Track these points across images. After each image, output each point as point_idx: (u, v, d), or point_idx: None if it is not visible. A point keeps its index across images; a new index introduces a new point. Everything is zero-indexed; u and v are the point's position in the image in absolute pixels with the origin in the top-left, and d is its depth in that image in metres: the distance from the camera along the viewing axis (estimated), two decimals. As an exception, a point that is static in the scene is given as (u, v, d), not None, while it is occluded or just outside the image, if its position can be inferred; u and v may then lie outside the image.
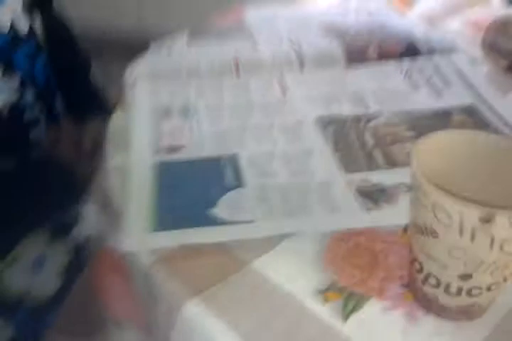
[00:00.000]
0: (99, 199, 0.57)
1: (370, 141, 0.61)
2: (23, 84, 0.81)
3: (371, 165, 0.57)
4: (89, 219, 0.77)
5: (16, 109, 0.80)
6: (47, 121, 0.86)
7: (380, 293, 0.42)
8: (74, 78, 0.96)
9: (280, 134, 0.63)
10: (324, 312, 0.41)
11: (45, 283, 0.75)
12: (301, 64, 0.79)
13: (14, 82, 0.79)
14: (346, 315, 0.40)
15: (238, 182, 0.54)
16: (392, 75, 0.75)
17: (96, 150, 0.84)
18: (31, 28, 0.83)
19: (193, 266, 0.45)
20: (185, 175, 0.56)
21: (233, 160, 0.58)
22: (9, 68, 0.78)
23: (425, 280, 0.39)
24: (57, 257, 0.76)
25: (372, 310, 0.41)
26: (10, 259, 0.75)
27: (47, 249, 0.76)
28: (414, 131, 0.63)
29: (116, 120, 0.68)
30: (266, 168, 0.57)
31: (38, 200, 0.75)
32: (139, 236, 0.48)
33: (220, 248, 0.46)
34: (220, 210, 0.50)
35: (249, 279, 0.43)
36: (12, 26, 0.79)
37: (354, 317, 0.40)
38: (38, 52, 0.85)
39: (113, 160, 0.60)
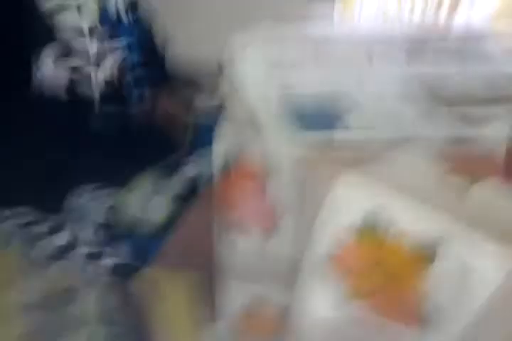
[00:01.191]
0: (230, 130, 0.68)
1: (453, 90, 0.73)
2: (128, 48, 0.91)
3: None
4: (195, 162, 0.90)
5: (126, 66, 0.90)
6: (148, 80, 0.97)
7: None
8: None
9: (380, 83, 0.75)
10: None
11: (157, 210, 0.85)
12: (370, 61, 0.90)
13: (122, 42, 0.89)
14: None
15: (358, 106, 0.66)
16: (448, 61, 0.86)
17: (183, 116, 0.96)
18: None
19: (335, 158, 0.56)
20: (306, 102, 0.68)
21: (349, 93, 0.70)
22: (116, 31, 0.89)
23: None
24: (168, 190, 0.86)
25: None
26: (130, 187, 0.86)
27: (158, 183, 0.87)
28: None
29: (225, 86, 0.80)
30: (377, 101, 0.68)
31: (146, 146, 0.86)
32: (287, 136, 0.59)
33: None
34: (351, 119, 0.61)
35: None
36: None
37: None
38: (137, 21, 0.96)
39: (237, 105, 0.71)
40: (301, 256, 0.57)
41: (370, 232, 0.51)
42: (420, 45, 0.86)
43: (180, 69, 1.07)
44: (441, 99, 0.70)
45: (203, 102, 1.01)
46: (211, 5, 2.28)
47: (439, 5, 1.39)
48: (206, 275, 0.88)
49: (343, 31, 0.95)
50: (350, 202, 0.51)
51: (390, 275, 0.51)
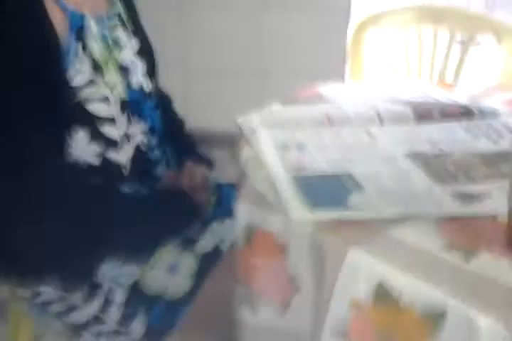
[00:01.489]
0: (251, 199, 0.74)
1: (451, 167, 0.80)
2: (150, 130, 1.01)
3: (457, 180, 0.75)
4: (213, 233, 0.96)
5: (146, 149, 0.99)
6: (166, 162, 1.05)
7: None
8: (179, 132, 1.16)
9: (380, 162, 0.82)
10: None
11: (178, 283, 0.90)
12: (381, 121, 0.99)
13: (144, 127, 0.99)
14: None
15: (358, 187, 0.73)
16: (455, 129, 0.95)
17: (204, 185, 1.03)
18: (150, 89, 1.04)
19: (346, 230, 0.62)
20: (315, 182, 0.75)
21: (351, 176, 0.77)
22: (140, 116, 0.98)
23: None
24: (188, 263, 0.92)
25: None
26: (151, 263, 0.91)
27: (179, 256, 0.92)
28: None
29: (246, 153, 0.87)
30: (376, 181, 0.75)
31: (168, 219, 0.92)
32: (301, 214, 0.65)
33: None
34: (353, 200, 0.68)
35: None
36: (141, 85, 1.01)
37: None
38: (156, 108, 1.06)
39: (255, 177, 0.78)
40: (318, 328, 0.61)
41: (381, 298, 0.56)
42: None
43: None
44: (440, 176, 0.77)
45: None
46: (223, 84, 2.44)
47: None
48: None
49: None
50: (362, 271, 0.57)
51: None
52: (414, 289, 0.54)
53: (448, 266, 0.56)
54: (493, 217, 0.65)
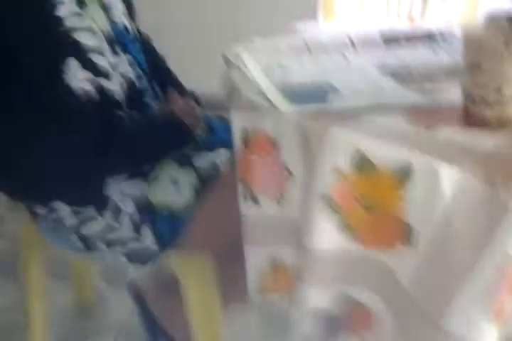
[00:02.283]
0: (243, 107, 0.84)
1: (416, 75, 0.91)
2: (134, 63, 1.08)
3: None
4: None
5: (133, 79, 1.06)
6: (153, 92, 1.13)
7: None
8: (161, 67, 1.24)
9: (353, 74, 0.92)
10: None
11: (181, 195, 1.00)
12: (353, 46, 1.09)
13: (129, 59, 1.06)
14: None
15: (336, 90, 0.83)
16: (419, 48, 1.05)
17: (193, 111, 1.12)
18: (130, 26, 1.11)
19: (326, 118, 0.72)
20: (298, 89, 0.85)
21: (328, 82, 0.87)
22: (123, 49, 1.04)
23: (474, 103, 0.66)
24: (188, 177, 1.02)
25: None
26: (152, 179, 1.01)
27: (179, 171, 1.02)
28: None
29: (234, 74, 0.96)
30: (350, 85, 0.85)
31: (165, 137, 1.01)
32: (289, 108, 0.75)
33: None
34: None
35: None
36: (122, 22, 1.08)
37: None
38: (137, 43, 1.13)
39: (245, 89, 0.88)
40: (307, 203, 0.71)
41: (359, 166, 0.66)
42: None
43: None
44: (406, 80, 0.87)
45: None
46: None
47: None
48: (227, 254, 1.02)
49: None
50: (342, 144, 0.67)
51: (371, 206, 0.67)
52: (385, 150, 0.64)
53: (412, 134, 0.67)
54: (451, 103, 0.75)
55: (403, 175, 0.63)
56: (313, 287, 0.75)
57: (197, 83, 1.30)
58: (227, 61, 1.06)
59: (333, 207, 0.69)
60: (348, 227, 0.70)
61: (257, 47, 1.08)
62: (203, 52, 2.44)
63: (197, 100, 1.19)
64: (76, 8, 0.93)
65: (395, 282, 0.68)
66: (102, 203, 0.98)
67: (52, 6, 0.90)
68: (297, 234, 0.80)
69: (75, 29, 0.93)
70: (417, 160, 0.62)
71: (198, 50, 2.42)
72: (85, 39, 0.94)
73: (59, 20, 0.91)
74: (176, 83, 1.21)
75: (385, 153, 0.65)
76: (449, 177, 0.61)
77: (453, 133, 0.67)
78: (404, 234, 0.65)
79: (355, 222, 0.69)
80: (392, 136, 0.67)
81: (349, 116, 0.73)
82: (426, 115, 0.74)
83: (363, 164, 0.66)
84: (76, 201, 0.97)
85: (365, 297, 0.73)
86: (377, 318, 0.73)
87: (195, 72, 2.06)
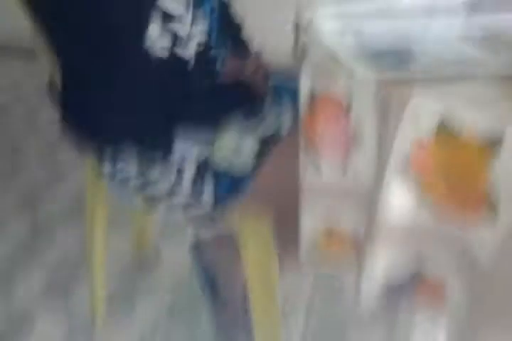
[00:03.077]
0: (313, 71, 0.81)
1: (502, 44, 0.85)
2: (209, 30, 1.07)
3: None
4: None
5: (206, 48, 1.06)
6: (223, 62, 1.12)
7: None
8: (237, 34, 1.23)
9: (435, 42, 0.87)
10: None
11: (242, 161, 1.01)
12: (434, 11, 1.04)
13: (206, 24, 1.05)
14: None
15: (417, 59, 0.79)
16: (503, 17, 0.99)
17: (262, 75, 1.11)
18: None
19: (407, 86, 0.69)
20: (376, 55, 0.81)
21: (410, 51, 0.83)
22: (200, 17, 1.05)
23: None
24: (250, 144, 1.02)
25: None
26: (218, 144, 1.02)
27: (242, 138, 1.02)
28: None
29: (304, 38, 0.93)
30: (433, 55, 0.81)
31: (234, 104, 1.01)
32: (366, 73, 0.72)
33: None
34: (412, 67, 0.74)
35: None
36: None
37: None
38: (213, 11, 1.12)
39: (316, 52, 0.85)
40: (384, 164, 0.69)
41: (443, 135, 0.63)
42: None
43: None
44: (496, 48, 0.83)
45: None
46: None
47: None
48: (285, 216, 1.02)
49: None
50: (425, 111, 0.64)
51: (460, 171, 0.63)
52: (475, 121, 0.61)
53: (504, 102, 0.63)
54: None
55: (493, 148, 0.60)
56: (382, 260, 0.73)
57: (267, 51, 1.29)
58: (299, 27, 1.03)
59: (413, 180, 0.67)
60: (428, 202, 0.67)
61: (330, 12, 1.05)
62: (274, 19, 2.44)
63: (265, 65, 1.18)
64: None
65: (476, 262, 0.65)
66: (167, 167, 0.99)
67: None
68: (363, 205, 0.79)
69: None
70: (510, 130, 0.59)
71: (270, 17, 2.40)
72: (169, 7, 0.94)
73: None
74: (247, 43, 1.19)
75: (473, 124, 0.61)
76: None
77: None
78: (489, 210, 0.62)
79: (436, 197, 0.66)
80: (482, 104, 0.63)
81: (433, 86, 0.70)
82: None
83: (448, 135, 0.63)
84: (146, 144, 0.99)
85: (440, 273, 0.71)
86: (448, 296, 0.71)
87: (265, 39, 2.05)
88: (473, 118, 0.61)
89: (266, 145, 1.01)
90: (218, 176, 0.99)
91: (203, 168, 0.99)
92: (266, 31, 2.10)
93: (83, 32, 0.92)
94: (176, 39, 0.97)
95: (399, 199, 0.70)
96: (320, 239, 0.88)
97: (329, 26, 0.97)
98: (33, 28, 1.02)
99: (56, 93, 1.04)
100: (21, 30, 1.09)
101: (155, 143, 0.99)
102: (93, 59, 0.90)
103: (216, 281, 1.25)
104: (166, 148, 0.98)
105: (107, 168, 1.03)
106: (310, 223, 0.87)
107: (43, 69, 1.08)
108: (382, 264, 0.74)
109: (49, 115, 2.50)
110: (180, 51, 0.98)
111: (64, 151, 2.17)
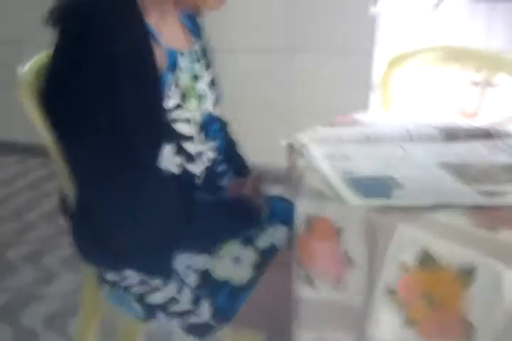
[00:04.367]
0: (308, 195, 0.90)
1: (476, 174, 0.96)
2: (216, 148, 1.18)
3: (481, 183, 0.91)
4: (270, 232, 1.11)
5: (214, 164, 1.16)
6: (228, 176, 1.22)
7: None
8: (235, 151, 1.34)
9: (415, 169, 0.98)
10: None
11: (242, 272, 1.06)
12: (411, 139, 1.16)
13: (212, 145, 1.16)
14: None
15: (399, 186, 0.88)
16: (478, 147, 1.11)
17: (259, 192, 1.20)
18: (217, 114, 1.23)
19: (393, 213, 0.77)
20: (363, 182, 0.90)
21: (392, 178, 0.92)
22: (209, 136, 1.16)
23: None
24: (249, 256, 1.07)
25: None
26: (219, 255, 1.07)
27: (242, 250, 1.08)
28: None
29: (300, 162, 1.03)
30: (414, 181, 0.91)
31: (234, 221, 1.09)
32: (356, 201, 0.81)
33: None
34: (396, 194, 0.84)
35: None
36: (210, 111, 1.19)
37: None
38: (220, 130, 1.24)
39: (310, 178, 0.94)
40: (371, 294, 0.76)
41: (425, 261, 0.70)
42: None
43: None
44: (467, 180, 0.93)
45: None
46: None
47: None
48: (278, 333, 1.06)
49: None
50: (409, 238, 0.72)
51: (435, 303, 0.70)
52: (451, 252, 0.69)
53: (476, 237, 0.71)
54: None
55: (467, 275, 0.67)
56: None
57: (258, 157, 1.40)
58: (291, 148, 1.14)
59: (399, 301, 0.73)
60: (412, 322, 0.73)
61: (320, 137, 1.16)
62: (264, 128, 2.63)
63: (262, 180, 1.27)
64: (179, 101, 1.04)
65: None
66: (168, 275, 1.04)
67: (162, 99, 1.00)
68: (354, 321, 0.84)
69: (176, 120, 1.03)
70: (482, 264, 0.66)
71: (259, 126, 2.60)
72: (182, 129, 1.05)
73: (165, 112, 1.01)
74: (245, 166, 1.30)
75: (449, 253, 0.69)
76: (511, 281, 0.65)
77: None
78: (467, 333, 0.68)
79: (419, 318, 0.72)
80: (457, 236, 0.72)
81: (415, 213, 0.78)
82: (488, 216, 0.78)
83: (429, 263, 0.70)
84: (146, 271, 1.04)
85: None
86: None
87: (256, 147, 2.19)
88: (449, 248, 0.69)
89: (265, 256, 1.08)
90: (219, 285, 1.04)
91: (204, 277, 1.05)
92: (259, 150, 2.26)
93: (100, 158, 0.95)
94: (188, 156, 1.07)
95: (387, 318, 0.76)
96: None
97: (320, 150, 1.08)
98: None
99: (66, 209, 1.10)
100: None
101: (156, 270, 1.04)
102: (109, 180, 0.96)
103: None
104: (167, 269, 1.04)
105: (110, 276, 1.07)
106: (305, 337, 0.91)
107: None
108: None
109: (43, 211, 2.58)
110: (190, 167, 1.08)
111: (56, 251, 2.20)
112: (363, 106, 2.40)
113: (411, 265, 0.72)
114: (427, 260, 0.71)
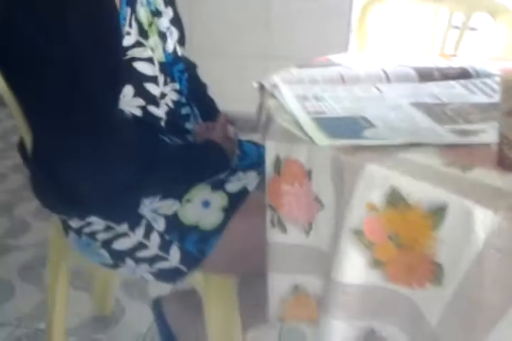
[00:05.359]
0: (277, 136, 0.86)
1: (450, 113, 0.92)
2: (179, 89, 1.13)
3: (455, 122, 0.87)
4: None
5: (177, 106, 1.11)
6: (194, 118, 1.17)
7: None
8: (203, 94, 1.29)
9: (388, 109, 0.94)
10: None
11: (211, 216, 1.03)
12: (388, 79, 1.11)
13: (175, 86, 1.11)
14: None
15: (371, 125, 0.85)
16: (453, 86, 1.07)
17: (229, 136, 1.15)
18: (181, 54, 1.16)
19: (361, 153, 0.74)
20: (334, 122, 0.87)
21: (364, 117, 0.88)
22: (171, 77, 1.10)
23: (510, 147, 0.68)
24: (219, 200, 1.04)
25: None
26: (185, 200, 1.03)
27: (211, 194, 1.04)
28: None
29: (270, 102, 0.99)
30: (385, 121, 0.87)
31: (203, 166, 1.05)
32: (324, 141, 0.77)
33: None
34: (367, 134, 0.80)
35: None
36: (174, 49, 1.13)
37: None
38: (183, 71, 1.18)
39: (280, 118, 0.90)
40: (340, 226, 0.73)
41: (393, 200, 0.68)
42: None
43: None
44: (440, 119, 0.89)
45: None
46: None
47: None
48: (250, 277, 1.04)
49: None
50: (377, 178, 0.69)
51: (403, 244, 0.68)
52: (421, 190, 0.66)
53: (448, 175, 0.68)
54: (487, 145, 0.77)
55: (437, 215, 0.64)
56: (337, 320, 0.76)
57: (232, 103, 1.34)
58: (263, 89, 1.09)
59: (365, 242, 0.71)
60: (378, 263, 0.71)
61: (293, 78, 1.11)
62: (239, 75, 2.56)
63: (232, 124, 1.23)
64: (139, 39, 0.97)
65: (422, 320, 0.69)
66: (135, 221, 1.01)
67: (121, 37, 0.94)
68: (324, 265, 0.82)
69: (136, 59, 0.97)
70: (453, 202, 0.64)
71: (234, 73, 2.52)
72: (144, 69, 0.99)
73: (124, 50, 0.94)
74: (215, 109, 1.24)
75: (420, 193, 0.66)
76: (483, 220, 0.62)
77: (488, 176, 0.69)
78: (435, 274, 0.66)
79: (386, 259, 0.70)
80: (428, 175, 0.69)
81: (385, 153, 0.75)
82: (461, 155, 0.75)
83: (397, 202, 0.67)
84: (112, 217, 1.00)
85: (391, 333, 0.75)
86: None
87: (230, 92, 2.13)
88: (419, 187, 0.66)
89: (235, 200, 1.05)
90: (187, 229, 1.01)
91: (172, 221, 1.02)
92: (230, 92, 2.19)
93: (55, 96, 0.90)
94: (150, 98, 1.01)
95: (352, 259, 0.73)
96: (287, 296, 0.91)
97: (292, 90, 1.03)
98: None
99: (26, 154, 1.04)
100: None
101: (122, 216, 1.01)
102: (63, 124, 0.91)
103: (177, 338, 1.25)
104: (134, 215, 1.01)
105: (74, 222, 1.04)
106: (277, 280, 0.90)
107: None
108: (337, 326, 0.77)
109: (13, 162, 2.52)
110: (153, 109, 1.02)
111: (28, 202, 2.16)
112: (343, 48, 2.34)
113: (379, 205, 0.69)
114: (395, 199, 0.68)
